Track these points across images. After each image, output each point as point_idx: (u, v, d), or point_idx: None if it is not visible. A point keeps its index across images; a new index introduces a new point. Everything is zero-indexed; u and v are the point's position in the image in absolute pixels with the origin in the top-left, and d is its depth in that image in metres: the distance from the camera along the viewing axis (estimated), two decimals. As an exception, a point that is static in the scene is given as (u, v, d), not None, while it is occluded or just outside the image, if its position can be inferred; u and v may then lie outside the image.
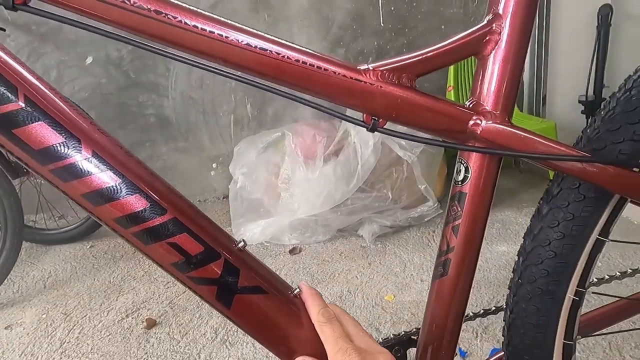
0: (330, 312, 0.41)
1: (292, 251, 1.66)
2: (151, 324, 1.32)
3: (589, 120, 0.41)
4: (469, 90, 2.12)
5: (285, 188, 1.71)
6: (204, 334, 1.26)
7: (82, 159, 0.34)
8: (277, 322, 0.41)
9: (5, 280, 1.48)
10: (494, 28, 0.37)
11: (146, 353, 1.21)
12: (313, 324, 0.43)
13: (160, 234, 0.36)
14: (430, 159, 1.76)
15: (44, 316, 1.40)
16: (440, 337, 0.44)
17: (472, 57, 0.40)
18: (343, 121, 1.81)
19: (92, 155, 0.34)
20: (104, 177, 0.34)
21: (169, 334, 1.27)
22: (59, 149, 0.33)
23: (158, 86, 2.05)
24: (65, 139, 0.33)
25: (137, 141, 2.08)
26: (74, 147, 0.33)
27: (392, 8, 2.13)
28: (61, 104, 0.34)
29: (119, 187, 0.34)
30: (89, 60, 1.98)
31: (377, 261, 1.57)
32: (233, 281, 0.38)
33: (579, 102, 2.01)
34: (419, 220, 1.76)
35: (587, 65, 1.94)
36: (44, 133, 0.32)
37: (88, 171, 0.34)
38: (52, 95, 0.34)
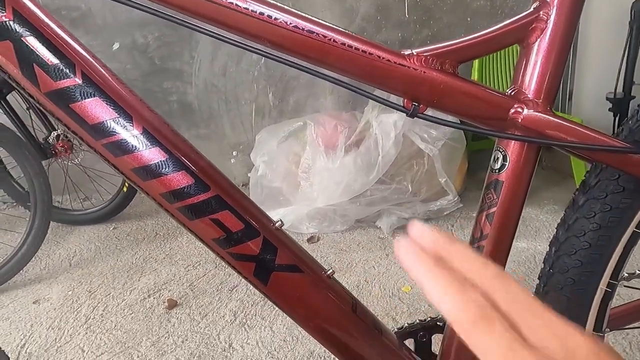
0: (481, 302, 0.21)
1: (310, 240, 1.68)
2: (172, 304, 1.35)
3: (631, 111, 0.41)
4: (493, 83, 2.09)
5: (305, 177, 1.72)
6: (223, 316, 1.29)
7: (133, 135, 0.35)
8: (311, 300, 0.42)
9: (33, 258, 1.53)
10: (540, 16, 0.37)
11: (167, 332, 1.24)
12: (344, 303, 0.43)
13: (203, 210, 0.37)
14: (452, 152, 1.74)
15: (69, 293, 1.45)
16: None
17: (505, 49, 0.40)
18: (365, 112, 1.80)
19: (142, 132, 0.35)
20: (153, 153, 0.35)
21: (189, 315, 1.30)
22: (112, 124, 0.34)
23: (182, 73, 2.07)
24: (118, 115, 0.34)
25: (160, 127, 2.11)
26: (126, 123, 0.35)
27: (418, -1, 2.10)
28: (114, 82, 0.35)
29: (166, 164, 0.36)
30: (116, 46, 2.01)
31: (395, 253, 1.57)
32: (271, 259, 0.39)
33: (607, 99, 1.96)
34: (438, 214, 1.75)
35: (617, 62, 1.89)
36: (99, 108, 0.34)
37: (138, 147, 0.35)
38: (106, 73, 0.35)
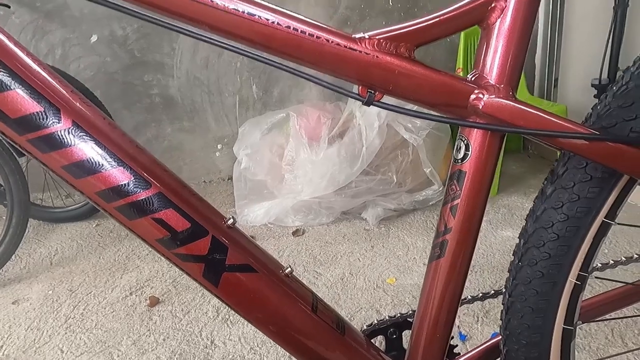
0: None
1: (295, 233, 1.66)
2: (154, 302, 1.33)
3: (600, 97, 0.39)
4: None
5: (289, 170, 1.69)
6: (205, 313, 1.27)
7: (61, 129, 0.32)
8: (266, 300, 0.40)
9: (13, 257, 1.49)
10: (499, -6, 0.35)
11: (149, 330, 1.22)
12: (303, 303, 0.42)
13: (144, 208, 0.35)
14: (436, 142, 1.73)
15: (50, 292, 1.42)
16: (435, 320, 0.43)
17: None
18: (348, 103, 1.78)
19: (72, 126, 0.32)
20: (85, 148, 0.33)
21: (172, 312, 1.28)
22: (37, 118, 0.31)
23: (163, 65, 2.03)
24: (43, 108, 0.32)
25: (142, 121, 2.07)
26: (53, 116, 0.32)
27: (402, -14, 2.07)
28: (40, 71, 0.33)
29: (100, 160, 0.33)
30: (94, 38, 1.96)
31: (380, 244, 1.56)
32: (220, 259, 0.37)
33: (592, 85, 1.95)
34: (423, 204, 1.74)
35: (602, 48, 1.87)
36: (21, 101, 0.31)
37: (68, 142, 0.32)
38: (30, 61, 0.32)
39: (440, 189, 1.73)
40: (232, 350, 1.13)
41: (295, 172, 1.67)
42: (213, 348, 1.14)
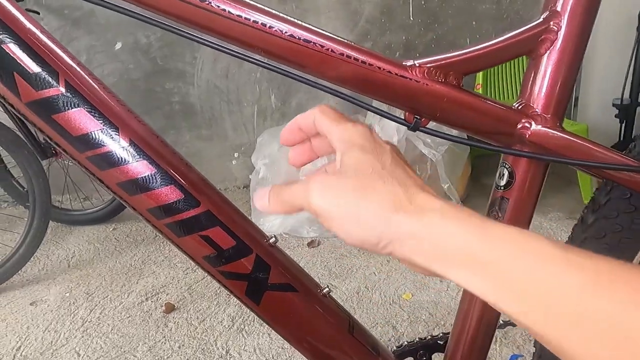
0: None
1: (311, 244, 1.66)
2: (170, 308, 1.34)
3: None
4: (498, 89, 2.06)
5: (306, 181, 1.70)
6: (221, 322, 1.27)
7: (119, 147, 0.33)
8: (305, 320, 0.40)
9: (32, 258, 1.52)
10: (550, 26, 0.35)
11: (164, 337, 1.23)
12: (340, 323, 0.42)
13: (193, 226, 0.35)
14: (455, 158, 1.72)
15: (67, 295, 1.44)
16: (471, 344, 0.43)
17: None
18: (367, 116, 1.78)
19: (130, 144, 0.33)
20: (140, 166, 0.34)
21: (187, 320, 1.29)
22: (96, 136, 0.32)
23: (184, 74, 2.06)
24: (103, 126, 0.33)
25: (162, 128, 2.10)
26: (111, 134, 0.33)
27: (423, 2, 2.08)
28: (100, 90, 0.34)
29: (154, 177, 0.34)
30: (118, 45, 2.00)
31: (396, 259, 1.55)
32: (264, 277, 0.37)
33: (613, 105, 1.93)
34: (440, 220, 1.73)
35: (624, 67, 1.86)
36: (83, 120, 0.32)
37: (125, 159, 0.33)
38: (91, 81, 0.33)
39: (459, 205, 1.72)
40: (247, 361, 1.13)
41: (313, 183, 1.67)
42: (228, 358, 1.14)
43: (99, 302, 1.39)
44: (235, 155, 2.21)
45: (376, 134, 0.30)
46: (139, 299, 1.40)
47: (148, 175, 0.34)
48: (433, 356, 0.52)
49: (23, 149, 1.46)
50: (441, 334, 0.51)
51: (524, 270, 0.22)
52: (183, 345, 1.19)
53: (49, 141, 0.33)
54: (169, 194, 0.34)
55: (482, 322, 0.42)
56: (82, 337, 1.24)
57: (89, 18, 1.94)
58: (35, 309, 1.38)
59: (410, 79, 0.34)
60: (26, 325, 1.30)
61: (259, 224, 1.72)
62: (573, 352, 0.21)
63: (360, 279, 1.45)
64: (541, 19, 0.36)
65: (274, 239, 0.40)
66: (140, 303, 1.37)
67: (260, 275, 0.37)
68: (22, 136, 1.54)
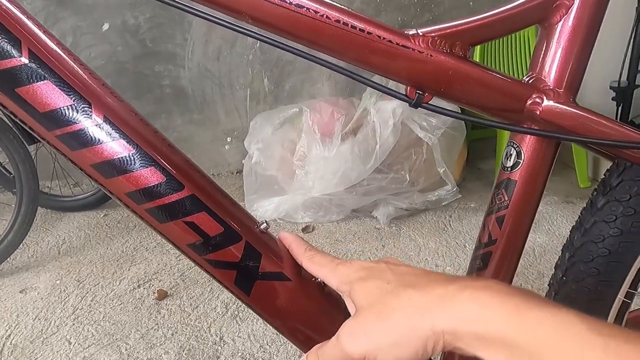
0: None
1: (305, 229, 1.64)
2: (162, 295, 1.32)
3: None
4: (496, 66, 2.02)
5: (300, 165, 1.67)
6: (214, 308, 1.25)
7: (92, 124, 0.30)
8: (299, 310, 0.38)
9: (21, 245, 1.48)
10: (566, -9, 0.32)
11: (157, 324, 1.21)
12: (334, 311, 0.40)
13: (176, 211, 0.32)
14: (451, 141, 1.70)
15: (57, 282, 1.41)
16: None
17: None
18: (362, 99, 1.75)
19: (104, 121, 0.30)
20: (117, 146, 0.31)
21: (180, 306, 1.27)
22: (66, 112, 0.29)
23: (175, 56, 2.00)
24: (73, 101, 0.29)
25: (153, 112, 2.05)
26: (83, 111, 0.30)
27: (419, -19, 2.03)
28: (70, 61, 0.30)
29: (132, 158, 0.31)
30: (106, 26, 1.94)
31: (391, 244, 1.54)
32: (254, 266, 0.35)
33: (611, 88, 1.91)
34: (436, 204, 1.72)
35: (622, 50, 1.83)
36: (50, 94, 0.29)
37: (99, 139, 0.30)
38: (60, 51, 0.30)
39: (454, 189, 1.70)
40: (241, 348, 1.12)
41: (307, 168, 1.65)
42: (222, 345, 1.13)
43: (90, 290, 1.37)
44: (228, 139, 2.17)
45: (366, 261, 0.32)
46: (130, 285, 1.37)
47: (126, 156, 0.31)
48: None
49: (8, 133, 1.41)
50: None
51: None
52: (176, 332, 1.18)
53: (15, 119, 0.30)
54: (149, 176, 0.32)
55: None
56: (73, 324, 1.22)
57: (75, -3, 1.87)
58: (25, 297, 1.35)
59: (413, 50, 0.31)
60: (16, 314, 1.28)
61: (253, 209, 1.70)
62: None
63: (355, 264, 1.43)
64: (556, -16, 0.33)
65: (265, 224, 0.37)
66: (132, 290, 1.35)
67: (250, 264, 0.34)
68: (6, 120, 1.50)
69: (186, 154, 0.36)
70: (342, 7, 0.31)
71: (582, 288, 0.40)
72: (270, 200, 1.69)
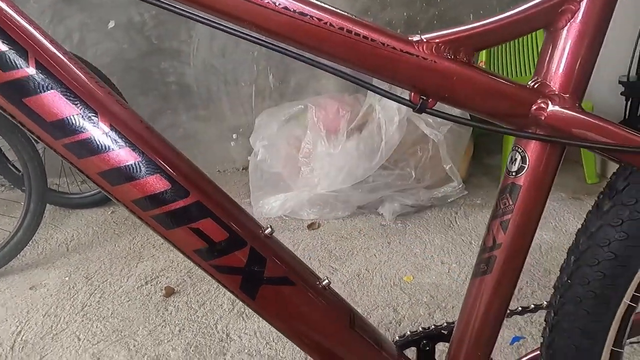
0: None
1: (311, 226, 1.64)
2: (169, 292, 1.33)
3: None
4: (501, 67, 2.01)
5: (306, 162, 1.67)
6: (221, 305, 1.27)
7: (99, 133, 0.30)
8: (303, 314, 0.38)
9: (30, 242, 1.50)
10: (572, -4, 0.32)
11: (164, 320, 1.22)
12: (340, 317, 0.40)
13: (182, 218, 0.33)
14: (457, 138, 1.69)
15: (66, 279, 1.43)
16: (477, 337, 0.41)
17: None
18: (368, 95, 1.74)
19: (110, 130, 0.31)
20: (123, 153, 0.31)
21: (187, 303, 1.28)
22: (73, 121, 0.30)
23: (180, 53, 2.01)
24: (80, 110, 0.30)
25: (158, 109, 2.06)
26: (90, 119, 0.30)
27: (425, -25, 2.01)
28: (77, 71, 0.31)
29: (138, 166, 0.31)
30: (112, 24, 1.94)
31: (397, 240, 1.54)
32: (259, 271, 0.35)
33: (620, 82, 1.89)
34: (442, 201, 1.71)
35: (631, 44, 1.81)
36: (57, 103, 0.29)
37: (105, 147, 0.31)
38: (66, 61, 0.30)
39: (460, 186, 1.70)
40: (247, 345, 1.13)
41: (312, 164, 1.65)
42: (229, 341, 1.14)
43: (99, 286, 1.38)
44: (234, 136, 2.18)
45: None
46: (138, 282, 1.39)
47: (132, 164, 0.31)
48: (436, 345, 0.50)
49: (16, 132, 1.43)
50: (445, 324, 0.50)
51: None
52: (183, 328, 1.19)
53: (23, 128, 0.30)
54: (155, 183, 0.32)
55: (489, 315, 0.41)
56: (82, 321, 1.24)
57: (80, -5, 1.88)
58: (34, 293, 1.37)
59: (417, 56, 0.31)
60: (26, 310, 1.30)
61: (259, 206, 1.70)
62: None
63: (361, 261, 1.44)
64: (561, -12, 0.32)
65: (269, 229, 0.37)
66: (140, 287, 1.37)
67: (256, 269, 0.35)
68: (14, 119, 1.51)
69: (192, 150, 0.36)
70: (346, 14, 0.31)
71: (587, 291, 0.40)
72: (276, 197, 1.69)
